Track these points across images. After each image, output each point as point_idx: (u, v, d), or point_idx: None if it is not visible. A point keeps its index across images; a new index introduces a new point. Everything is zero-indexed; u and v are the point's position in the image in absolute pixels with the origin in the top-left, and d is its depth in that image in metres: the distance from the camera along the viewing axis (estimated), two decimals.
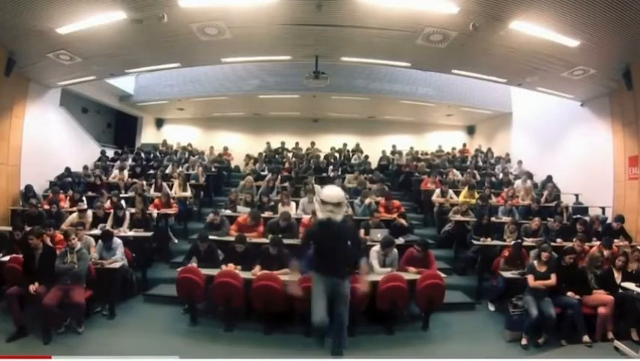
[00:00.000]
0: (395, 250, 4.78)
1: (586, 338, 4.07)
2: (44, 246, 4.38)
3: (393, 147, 11.38)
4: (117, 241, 4.91)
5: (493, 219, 6.22)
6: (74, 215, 5.95)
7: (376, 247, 4.75)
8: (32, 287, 4.03)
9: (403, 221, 6.09)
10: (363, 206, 6.67)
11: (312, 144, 11.78)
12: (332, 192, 3.27)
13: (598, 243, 5.33)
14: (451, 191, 7.52)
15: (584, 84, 7.11)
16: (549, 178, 8.28)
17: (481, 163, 10.42)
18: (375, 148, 11.70)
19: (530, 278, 4.29)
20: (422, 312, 4.57)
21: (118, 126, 13.38)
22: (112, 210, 6.08)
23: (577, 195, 7.88)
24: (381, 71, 9.96)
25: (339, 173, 9.14)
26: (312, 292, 3.27)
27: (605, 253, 4.97)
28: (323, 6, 5.33)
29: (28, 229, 5.21)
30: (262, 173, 8.95)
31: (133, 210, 6.18)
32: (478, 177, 8.75)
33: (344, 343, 3.40)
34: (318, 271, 3.27)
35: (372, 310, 4.33)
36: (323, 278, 3.24)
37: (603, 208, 7.03)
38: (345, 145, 11.66)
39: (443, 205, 7.16)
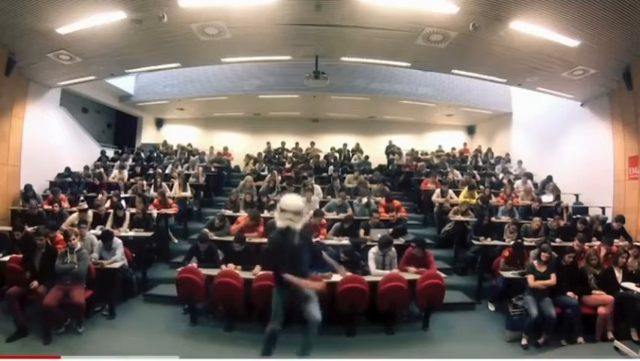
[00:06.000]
0: (393, 250, 4.79)
1: (580, 340, 4.08)
2: (46, 245, 4.38)
3: (390, 142, 11.38)
4: (117, 241, 4.90)
5: (493, 219, 6.22)
6: (75, 215, 5.95)
7: (374, 248, 4.75)
8: (33, 283, 4.05)
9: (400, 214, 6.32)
10: (361, 205, 6.68)
11: (312, 143, 11.79)
12: (291, 200, 3.17)
13: (598, 243, 5.34)
14: (451, 191, 7.52)
15: (584, 84, 7.12)
16: (549, 178, 8.28)
17: (480, 163, 10.43)
18: (375, 148, 11.72)
19: (530, 278, 4.29)
20: (422, 312, 4.57)
21: (118, 126, 13.41)
22: (112, 210, 6.08)
23: (577, 195, 7.88)
24: (381, 71, 9.97)
25: (340, 173, 9.14)
26: (273, 302, 3.22)
27: (602, 250, 4.97)
28: (323, 6, 5.34)
29: (28, 229, 5.22)
30: (262, 173, 8.95)
31: (133, 210, 6.19)
32: (478, 177, 8.75)
33: (309, 348, 3.24)
34: (280, 284, 3.14)
35: (372, 310, 4.33)
36: (284, 290, 3.14)
37: (603, 208, 7.04)
38: (345, 145, 11.66)
39: (443, 205, 7.16)
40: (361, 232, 5.66)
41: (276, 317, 3.20)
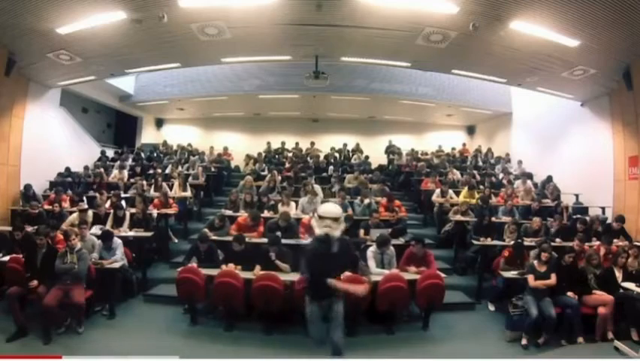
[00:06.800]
0: (392, 249, 4.79)
1: (580, 340, 4.08)
2: (47, 245, 4.38)
3: (390, 141, 11.35)
4: (117, 241, 4.90)
5: (493, 219, 6.23)
6: (75, 215, 5.95)
7: (372, 247, 4.76)
8: (33, 282, 4.05)
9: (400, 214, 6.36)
10: (362, 206, 6.68)
11: (312, 143, 11.80)
12: (330, 208, 3.13)
13: (598, 243, 5.34)
14: (451, 191, 7.52)
15: (584, 84, 7.12)
16: (549, 178, 8.29)
17: (480, 163, 10.43)
18: (375, 148, 11.71)
19: (530, 278, 4.29)
20: (422, 312, 4.57)
21: (118, 126, 13.41)
22: (112, 210, 6.08)
23: (577, 195, 7.88)
24: (382, 71, 9.96)
25: (340, 173, 9.14)
26: (307, 314, 3.12)
27: (602, 250, 4.98)
28: (323, 6, 5.34)
29: (29, 228, 5.22)
30: (262, 173, 8.96)
31: (133, 210, 6.19)
32: (478, 177, 8.75)
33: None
34: (314, 296, 3.08)
35: (372, 310, 4.33)
36: (318, 303, 3.07)
37: (603, 208, 7.03)
38: (345, 145, 11.67)
39: (443, 205, 7.16)
40: (361, 231, 5.67)
41: (314, 334, 3.11)
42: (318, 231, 3.01)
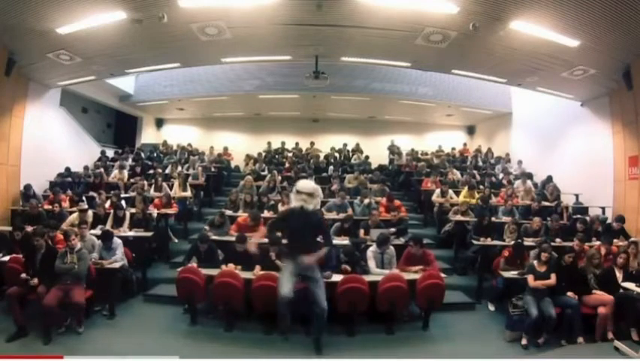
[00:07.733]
0: (392, 248, 4.80)
1: (580, 340, 4.08)
2: (47, 246, 4.38)
3: (392, 141, 11.40)
4: (117, 241, 4.91)
5: (493, 219, 6.22)
6: (75, 215, 5.95)
7: (373, 247, 4.76)
8: (34, 281, 4.06)
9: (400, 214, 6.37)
10: (362, 205, 6.68)
11: (312, 143, 11.81)
12: (306, 183, 3.69)
13: (598, 243, 5.34)
14: (451, 191, 7.52)
15: (584, 84, 7.12)
16: (549, 178, 8.28)
17: (480, 163, 10.43)
18: (375, 148, 11.72)
19: (530, 278, 4.29)
20: (422, 312, 4.57)
21: (118, 126, 13.41)
22: (112, 210, 6.08)
23: (577, 195, 7.88)
24: (382, 71, 9.97)
25: (340, 173, 9.14)
26: (281, 271, 3.65)
27: (603, 250, 4.97)
28: (323, 6, 5.34)
29: (29, 228, 5.22)
30: (262, 173, 8.96)
31: (133, 210, 6.19)
32: (478, 177, 8.75)
33: (321, 336, 3.70)
34: (288, 256, 3.66)
35: (372, 310, 4.33)
36: (292, 262, 3.59)
37: (603, 208, 7.03)
38: (345, 145, 11.66)
39: (443, 205, 7.16)
40: (361, 232, 5.67)
41: (282, 284, 3.51)
42: (295, 203, 3.55)
